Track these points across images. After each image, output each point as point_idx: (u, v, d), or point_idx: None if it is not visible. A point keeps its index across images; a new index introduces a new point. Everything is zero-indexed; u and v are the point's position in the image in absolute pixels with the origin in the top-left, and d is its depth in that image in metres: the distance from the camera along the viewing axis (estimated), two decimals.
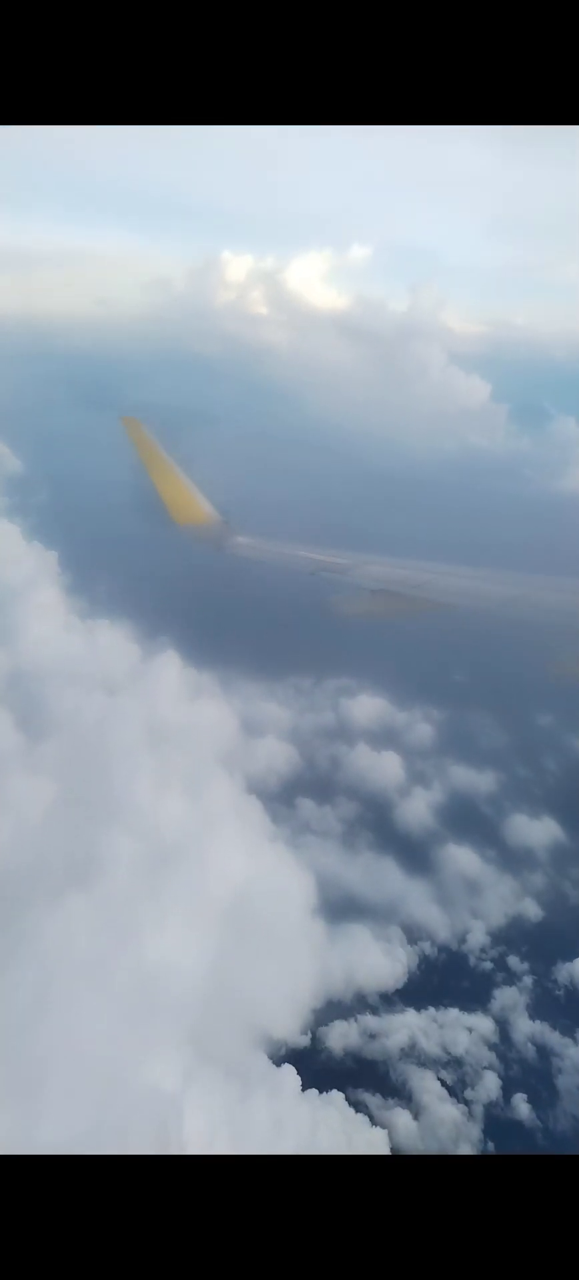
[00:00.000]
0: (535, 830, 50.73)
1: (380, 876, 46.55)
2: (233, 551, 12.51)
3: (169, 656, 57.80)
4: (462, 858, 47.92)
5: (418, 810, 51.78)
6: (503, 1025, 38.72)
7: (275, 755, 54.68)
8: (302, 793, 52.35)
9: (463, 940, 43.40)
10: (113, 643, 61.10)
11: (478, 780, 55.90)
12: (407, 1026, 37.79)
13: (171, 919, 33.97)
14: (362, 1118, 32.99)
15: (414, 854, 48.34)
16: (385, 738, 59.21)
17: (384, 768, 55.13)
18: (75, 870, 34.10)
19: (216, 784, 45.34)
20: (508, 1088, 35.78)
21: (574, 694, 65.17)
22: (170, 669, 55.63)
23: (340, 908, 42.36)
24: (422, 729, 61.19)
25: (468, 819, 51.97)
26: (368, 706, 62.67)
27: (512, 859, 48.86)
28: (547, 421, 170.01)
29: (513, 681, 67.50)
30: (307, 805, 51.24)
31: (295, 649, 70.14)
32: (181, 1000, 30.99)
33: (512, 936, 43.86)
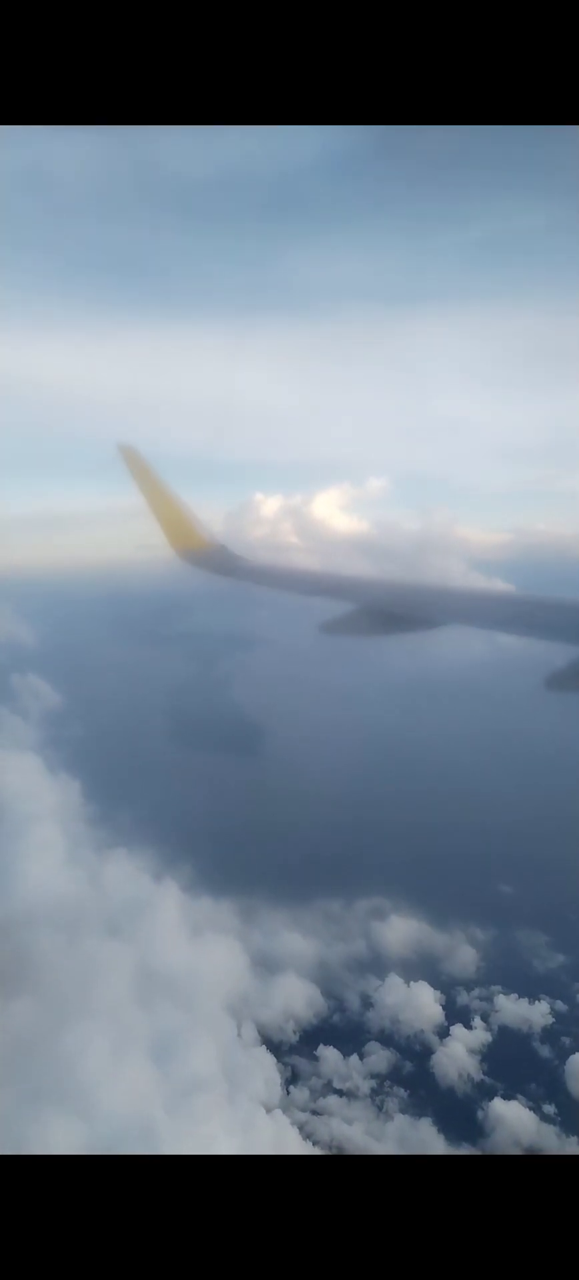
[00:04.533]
0: None
1: (417, 1148, 39.08)
2: (231, 577, 11.96)
3: (179, 889, 53.77)
4: (513, 1116, 40.14)
5: (459, 1057, 44.44)
6: None
7: (295, 996, 48.75)
8: (325, 1040, 45.94)
9: None
10: (123, 875, 57.53)
11: (530, 1013, 48.29)
12: None
13: None
14: None
15: (456, 1115, 40.83)
16: (422, 967, 52.56)
17: (420, 1005, 48.33)
18: None
19: (218, 1039, 39.90)
20: None
21: None
22: (179, 903, 51.40)
23: None
24: (463, 953, 54.33)
25: (520, 1063, 44.25)
26: (402, 930, 56.50)
27: (577, 1113, 40.70)
28: None
29: (563, 886, 60.78)
30: (330, 1057, 44.67)
31: (325, 864, 65.68)
32: None
33: None
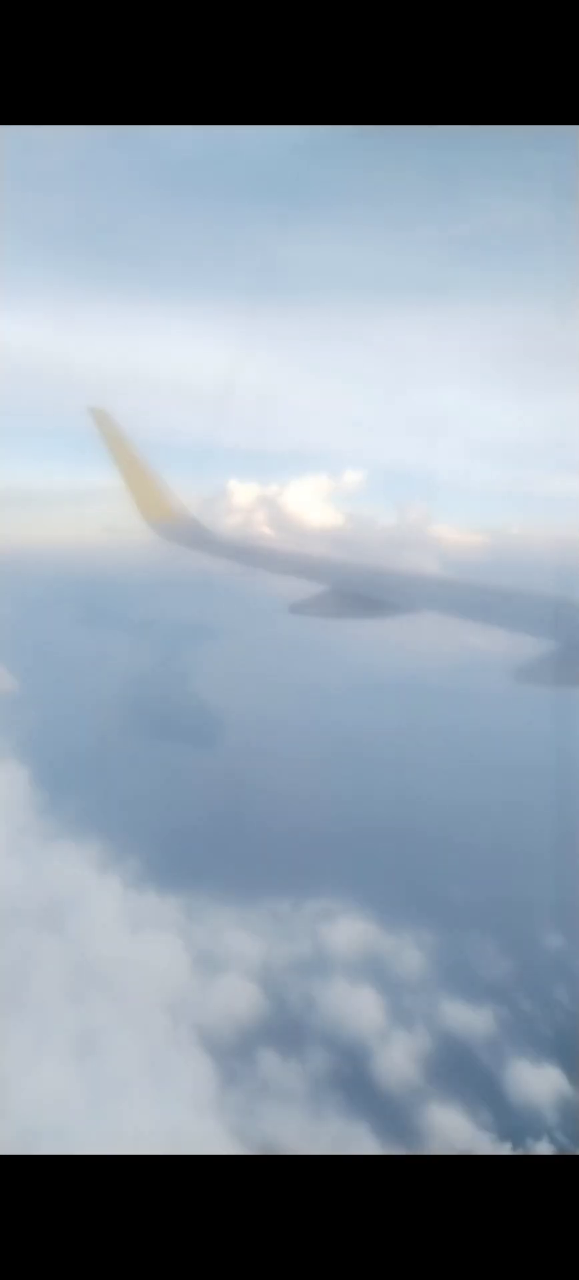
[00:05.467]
0: (539, 1082, 42.30)
1: (352, 1150, 38.33)
2: (202, 550, 11.71)
3: (122, 883, 52.35)
4: (448, 1123, 39.61)
5: (398, 1062, 43.82)
6: None
7: (236, 996, 47.69)
8: (264, 1042, 44.94)
9: None
10: (65, 867, 55.95)
11: (473, 1019, 47.86)
12: None
13: None
14: None
15: (392, 1120, 40.16)
16: (367, 969, 51.88)
17: (362, 1008, 47.62)
18: None
19: (150, 1038, 38.71)
20: None
21: None
22: (120, 898, 50.00)
23: None
24: (410, 956, 53.77)
25: (460, 1070, 43.77)
26: (350, 932, 55.74)
27: (512, 1121, 40.32)
28: None
29: (518, 894, 60.63)
30: (268, 1060, 43.70)
31: (277, 862, 64.71)
32: None
33: None
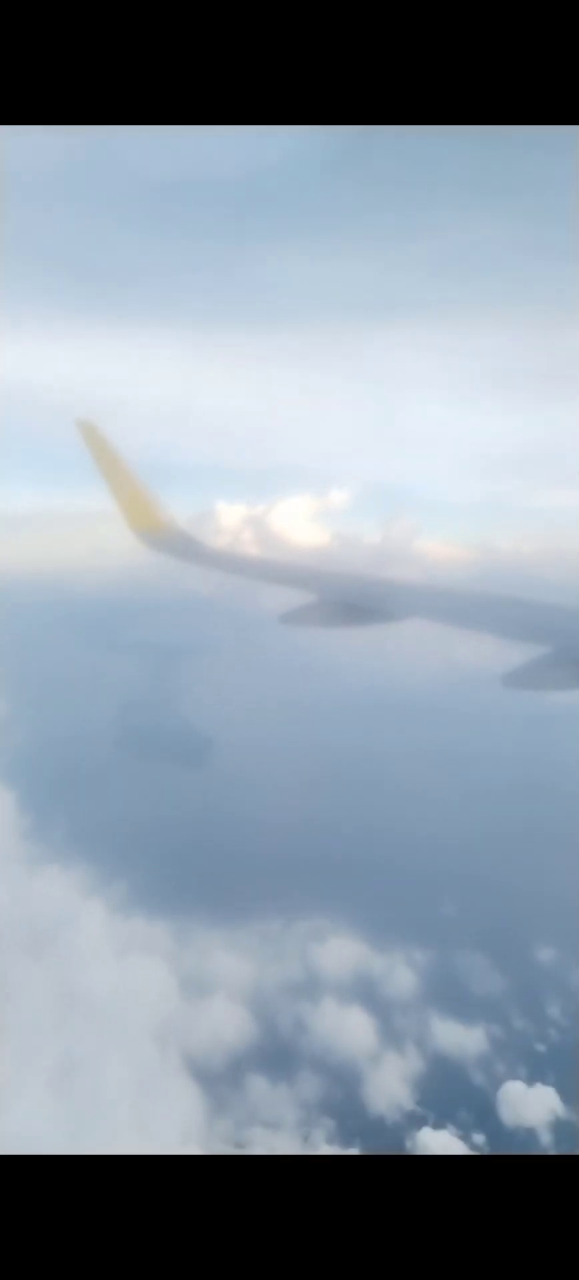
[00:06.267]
0: (533, 1103, 41.57)
1: None
2: (191, 561, 11.72)
3: (106, 908, 51.52)
4: (441, 1146, 38.82)
5: (390, 1084, 43.03)
6: None
7: (225, 1021, 46.80)
8: (253, 1067, 44.09)
9: None
10: (51, 892, 55.04)
11: (465, 1038, 47.13)
12: None
13: None
14: None
15: (383, 1145, 39.31)
16: (358, 990, 51.11)
17: (353, 1030, 46.84)
18: None
19: (135, 1065, 37.83)
20: None
21: (576, 923, 57.35)
22: (105, 923, 49.14)
23: None
24: (401, 976, 53.05)
25: (452, 1091, 43.01)
26: (340, 952, 54.98)
27: (507, 1144, 39.54)
28: None
29: (508, 909, 60.04)
30: (258, 1085, 42.83)
31: (267, 883, 63.87)
32: None
33: None
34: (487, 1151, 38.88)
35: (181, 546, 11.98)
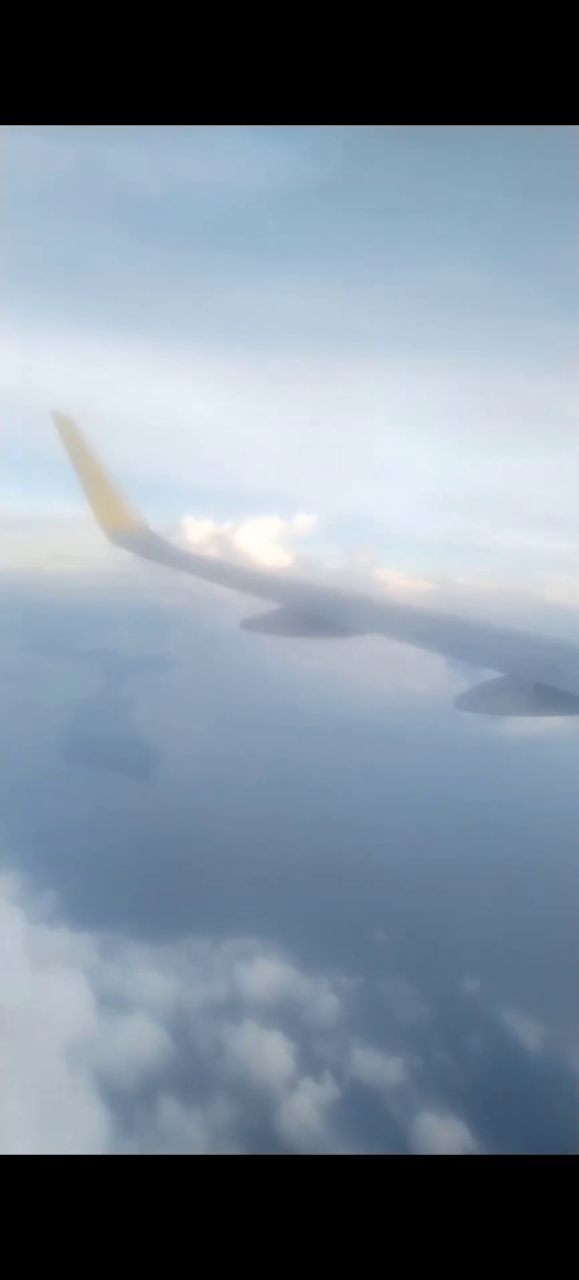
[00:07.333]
0: (444, 1137, 41.54)
1: None
2: (158, 560, 11.72)
3: (26, 919, 50.39)
4: None
5: (304, 1112, 42.66)
6: None
7: (142, 1040, 46.02)
8: (167, 1089, 43.35)
9: None
10: None
11: (385, 1067, 47.00)
12: None
13: None
14: None
15: None
16: (281, 1014, 50.69)
17: (271, 1055, 46.38)
18: None
19: (41, 1083, 36.91)
20: None
21: (503, 955, 57.81)
22: (24, 934, 48.04)
23: None
24: (326, 1001, 52.79)
25: (367, 1120, 42.78)
26: (267, 974, 54.55)
27: None
28: None
29: (437, 935, 60.21)
30: (169, 1109, 42.11)
31: (201, 899, 63.14)
32: None
33: None
34: None
35: (149, 546, 12.07)
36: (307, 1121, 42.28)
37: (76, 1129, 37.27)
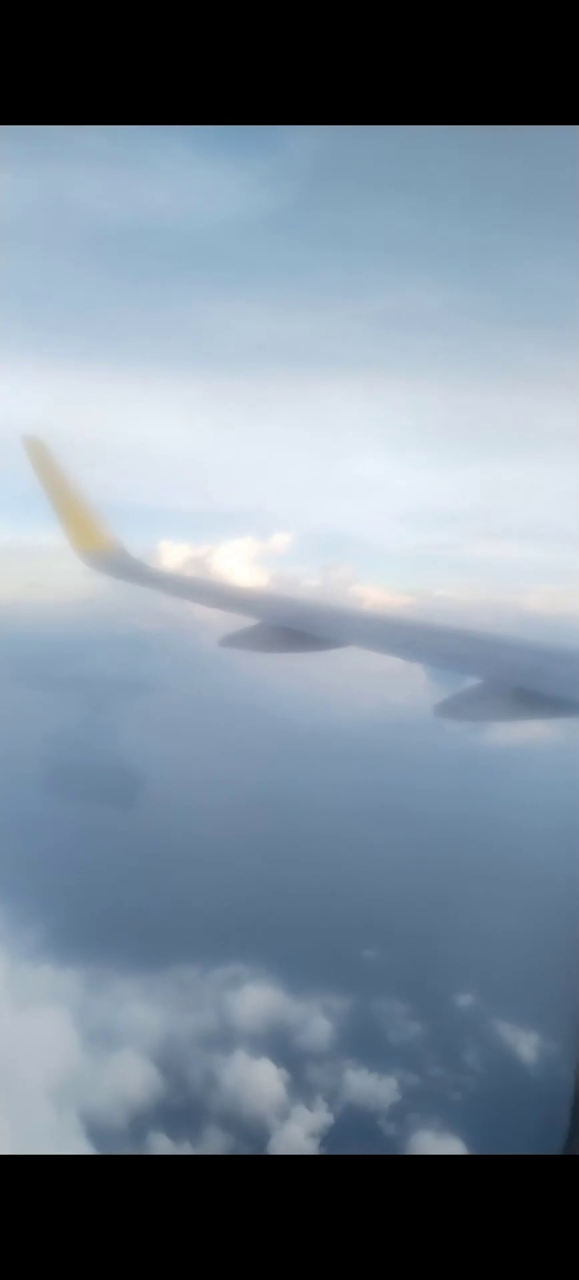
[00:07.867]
0: (442, 1153, 40.76)
1: None
2: (133, 581, 11.74)
3: (14, 955, 49.16)
4: None
5: (297, 1141, 41.79)
6: None
7: (130, 1077, 44.90)
8: (157, 1126, 42.26)
9: None
10: None
11: (378, 1088, 46.19)
12: None
13: None
14: None
15: None
16: (272, 1041, 49.76)
17: (263, 1084, 45.45)
18: None
19: (24, 1127, 35.74)
20: None
21: (499, 967, 57.32)
22: (6, 972, 46.81)
23: None
24: (317, 1025, 51.90)
25: (362, 1144, 41.91)
26: (256, 1000, 53.63)
27: None
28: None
29: (427, 953, 59.57)
30: (160, 1146, 41.02)
31: (188, 927, 62.11)
32: None
33: None
34: None
35: (126, 568, 11.94)
36: (300, 1150, 41.35)
37: None
